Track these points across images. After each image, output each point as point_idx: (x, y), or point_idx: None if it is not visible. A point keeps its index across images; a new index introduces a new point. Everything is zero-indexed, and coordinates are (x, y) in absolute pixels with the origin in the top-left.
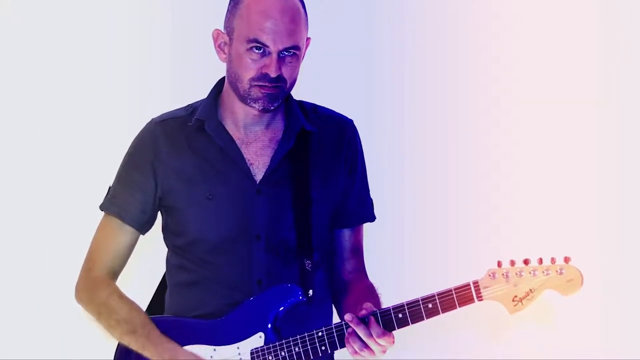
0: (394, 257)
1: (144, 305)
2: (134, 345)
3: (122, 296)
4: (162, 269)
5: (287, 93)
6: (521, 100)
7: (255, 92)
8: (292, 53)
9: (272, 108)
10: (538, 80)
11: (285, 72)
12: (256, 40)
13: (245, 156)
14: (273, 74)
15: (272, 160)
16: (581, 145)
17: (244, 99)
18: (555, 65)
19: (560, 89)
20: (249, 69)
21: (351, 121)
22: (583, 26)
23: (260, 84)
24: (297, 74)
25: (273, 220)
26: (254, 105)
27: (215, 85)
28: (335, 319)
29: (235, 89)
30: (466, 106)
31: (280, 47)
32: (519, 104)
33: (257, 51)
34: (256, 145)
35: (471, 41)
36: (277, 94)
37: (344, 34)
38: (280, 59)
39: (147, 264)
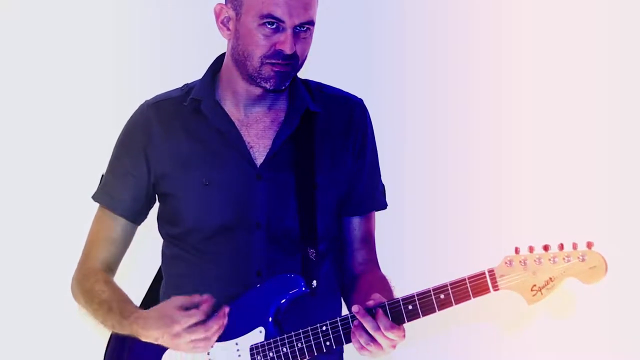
0: (402, 247)
1: (140, 299)
2: (112, 324)
3: (107, 282)
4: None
5: (297, 71)
6: (526, 85)
7: (267, 71)
8: (306, 28)
9: (282, 88)
10: (545, 61)
11: (299, 49)
12: (270, 15)
13: (244, 139)
14: (289, 51)
15: (273, 143)
16: (600, 129)
17: (253, 78)
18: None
19: (582, 67)
20: (261, 46)
21: (360, 101)
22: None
23: (273, 61)
24: (308, 51)
25: (274, 207)
26: (264, 84)
27: (212, 63)
28: (345, 313)
29: (242, 68)
30: (474, 91)
31: (297, 22)
32: (527, 88)
33: (270, 26)
34: (257, 127)
35: (472, 26)
36: (289, 72)
37: (342, 20)
38: (295, 34)
39: (145, 256)
